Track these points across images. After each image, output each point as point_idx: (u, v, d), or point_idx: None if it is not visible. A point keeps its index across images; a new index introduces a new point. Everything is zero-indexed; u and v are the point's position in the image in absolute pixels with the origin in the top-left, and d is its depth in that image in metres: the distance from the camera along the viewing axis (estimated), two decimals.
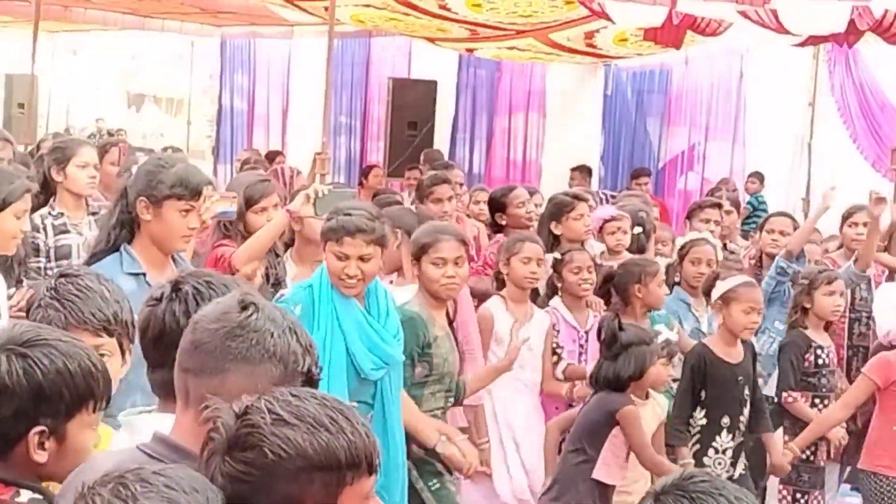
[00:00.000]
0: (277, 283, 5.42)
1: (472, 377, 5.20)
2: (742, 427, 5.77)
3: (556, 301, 6.14)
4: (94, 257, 4.20)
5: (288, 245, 5.70)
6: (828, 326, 6.42)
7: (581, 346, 6.09)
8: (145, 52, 23.33)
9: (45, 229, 5.72)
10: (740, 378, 5.72)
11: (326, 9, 12.13)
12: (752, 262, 7.60)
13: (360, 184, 13.36)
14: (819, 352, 6.27)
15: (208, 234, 5.43)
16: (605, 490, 5.27)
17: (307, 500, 2.00)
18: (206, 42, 19.38)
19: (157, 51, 22.65)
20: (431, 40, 15.00)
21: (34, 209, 5.76)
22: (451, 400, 5.04)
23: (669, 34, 11.18)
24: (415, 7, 12.72)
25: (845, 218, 7.73)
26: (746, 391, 5.75)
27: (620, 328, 5.26)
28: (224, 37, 18.85)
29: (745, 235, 10.57)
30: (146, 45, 22.56)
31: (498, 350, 5.72)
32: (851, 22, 9.81)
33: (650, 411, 5.47)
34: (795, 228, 7.45)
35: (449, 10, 12.62)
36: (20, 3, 14.52)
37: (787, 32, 10.36)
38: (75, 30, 18.82)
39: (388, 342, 4.48)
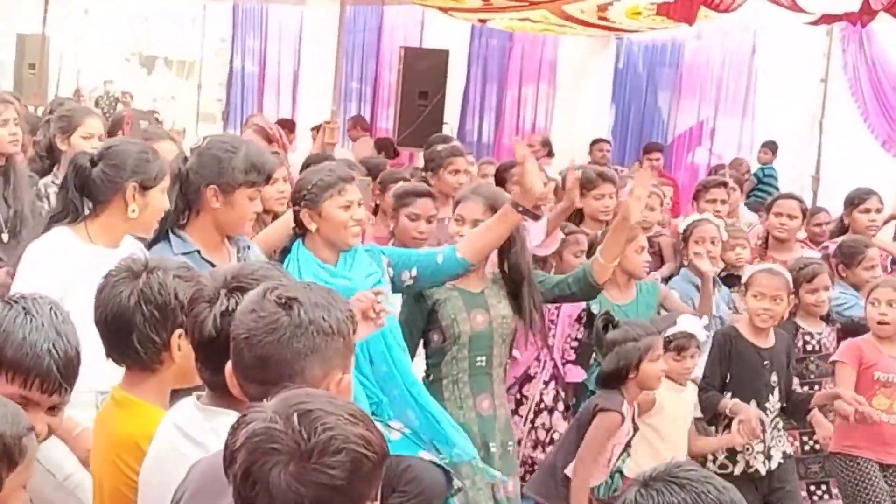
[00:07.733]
0: None
1: None
2: (773, 413, 5.68)
3: None
4: (154, 243, 4.09)
5: None
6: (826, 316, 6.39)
7: (552, 321, 5.90)
8: (157, 14, 23.26)
9: (47, 198, 5.67)
10: (766, 363, 5.65)
11: None
12: (759, 242, 7.50)
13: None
14: (808, 338, 6.26)
15: None
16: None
17: None
18: (218, 5, 19.34)
19: (169, 13, 22.59)
20: (444, 10, 14.92)
21: (39, 175, 5.78)
22: (483, 360, 4.87)
23: (683, 9, 11.11)
24: None
25: (856, 203, 7.59)
26: (774, 377, 5.68)
27: (614, 326, 5.14)
28: (236, 0, 18.82)
29: (752, 207, 10.46)
30: (158, 6, 22.51)
31: None
32: (865, 1, 9.75)
33: (682, 402, 5.49)
34: (804, 212, 7.36)
35: None
36: None
37: (801, 10, 10.28)
38: None
39: (355, 287, 4.15)
